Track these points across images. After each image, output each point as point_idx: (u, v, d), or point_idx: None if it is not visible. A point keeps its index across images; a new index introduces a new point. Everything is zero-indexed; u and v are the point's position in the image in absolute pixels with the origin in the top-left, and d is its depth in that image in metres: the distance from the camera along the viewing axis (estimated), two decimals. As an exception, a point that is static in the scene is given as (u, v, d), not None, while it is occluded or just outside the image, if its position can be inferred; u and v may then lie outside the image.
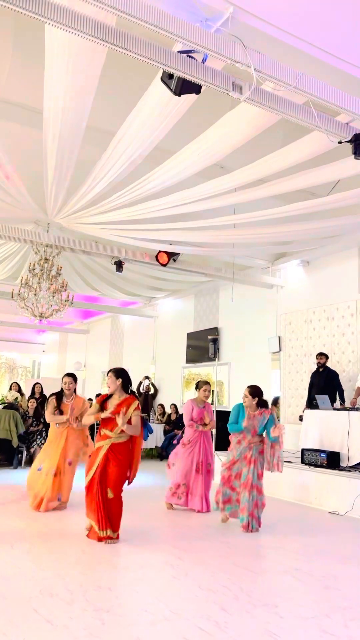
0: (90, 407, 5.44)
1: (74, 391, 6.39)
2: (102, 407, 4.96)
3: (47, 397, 6.58)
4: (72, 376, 6.41)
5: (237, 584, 3.76)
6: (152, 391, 13.72)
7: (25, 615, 3.06)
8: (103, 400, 5.00)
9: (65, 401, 6.27)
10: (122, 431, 4.81)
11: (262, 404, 5.68)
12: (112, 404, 4.94)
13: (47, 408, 6.30)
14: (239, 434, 5.66)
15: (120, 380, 5.02)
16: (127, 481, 4.92)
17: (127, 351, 16.14)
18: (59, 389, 6.41)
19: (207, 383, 6.80)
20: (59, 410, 6.21)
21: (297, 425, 8.85)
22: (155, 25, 3.27)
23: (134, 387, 13.83)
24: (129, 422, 4.85)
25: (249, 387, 5.74)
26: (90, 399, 14.25)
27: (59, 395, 6.31)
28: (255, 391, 5.68)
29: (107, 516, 4.71)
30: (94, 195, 6.58)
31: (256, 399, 5.64)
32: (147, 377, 13.87)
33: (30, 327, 17.23)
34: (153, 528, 5.41)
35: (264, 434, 5.59)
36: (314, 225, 7.41)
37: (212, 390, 11.61)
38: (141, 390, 13.62)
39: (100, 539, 4.70)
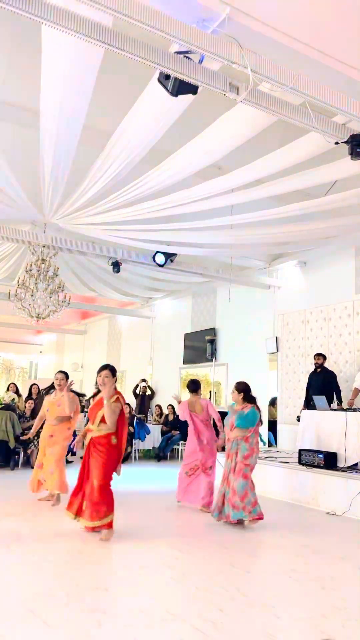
0: (80, 403, 5.72)
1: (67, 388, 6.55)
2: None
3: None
4: (64, 373, 6.67)
5: (234, 584, 3.75)
6: (148, 392, 13.73)
7: (21, 617, 3.05)
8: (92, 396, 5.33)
9: (52, 397, 6.53)
10: (102, 424, 4.92)
11: (248, 399, 5.74)
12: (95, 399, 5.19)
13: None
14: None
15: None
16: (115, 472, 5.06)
17: (125, 352, 16.13)
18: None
19: None
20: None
21: (294, 425, 8.87)
22: (152, 26, 3.27)
23: (129, 388, 13.91)
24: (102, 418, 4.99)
25: (237, 382, 5.89)
26: (87, 400, 14.27)
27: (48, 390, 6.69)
28: (239, 386, 5.81)
29: (86, 506, 4.88)
30: (91, 196, 6.58)
31: (242, 394, 5.74)
32: (143, 380, 13.89)
33: (28, 327, 17.21)
34: (150, 529, 5.40)
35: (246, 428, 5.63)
36: (311, 226, 7.42)
37: (210, 391, 11.67)
38: (137, 392, 13.63)
39: (90, 529, 4.92)
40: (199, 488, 6.39)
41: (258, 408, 5.72)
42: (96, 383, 5.15)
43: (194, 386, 6.80)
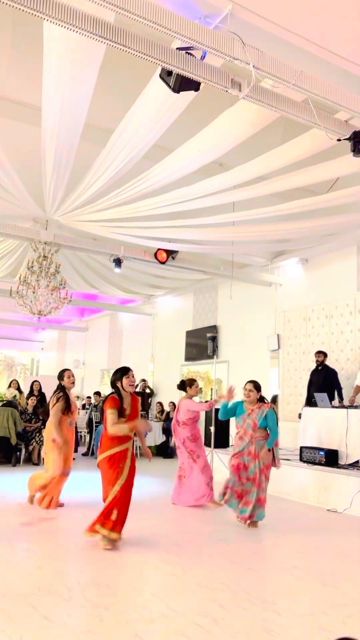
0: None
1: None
2: (121, 410, 4.68)
3: (56, 397, 5.97)
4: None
5: (235, 581, 3.76)
6: (148, 390, 13.76)
7: (23, 612, 3.06)
8: (120, 404, 4.69)
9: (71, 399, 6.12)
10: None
11: (260, 398, 5.71)
12: (127, 405, 4.74)
13: (56, 407, 5.84)
14: (240, 430, 5.67)
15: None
16: None
17: (126, 349, 16.14)
18: (56, 387, 6.27)
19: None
20: (69, 409, 5.96)
21: (295, 423, 8.87)
22: (154, 22, 3.26)
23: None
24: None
25: (252, 382, 5.71)
26: (89, 397, 14.25)
27: (66, 396, 5.98)
28: (258, 385, 5.76)
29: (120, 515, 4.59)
30: (93, 193, 6.57)
31: (259, 393, 5.70)
32: (143, 380, 13.92)
33: (29, 324, 17.24)
34: (151, 526, 5.41)
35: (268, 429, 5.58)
36: (313, 223, 7.41)
37: (211, 388, 11.67)
38: (137, 391, 13.66)
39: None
40: (191, 487, 6.42)
41: (274, 407, 5.75)
42: (118, 384, 4.74)
43: (180, 386, 6.84)
